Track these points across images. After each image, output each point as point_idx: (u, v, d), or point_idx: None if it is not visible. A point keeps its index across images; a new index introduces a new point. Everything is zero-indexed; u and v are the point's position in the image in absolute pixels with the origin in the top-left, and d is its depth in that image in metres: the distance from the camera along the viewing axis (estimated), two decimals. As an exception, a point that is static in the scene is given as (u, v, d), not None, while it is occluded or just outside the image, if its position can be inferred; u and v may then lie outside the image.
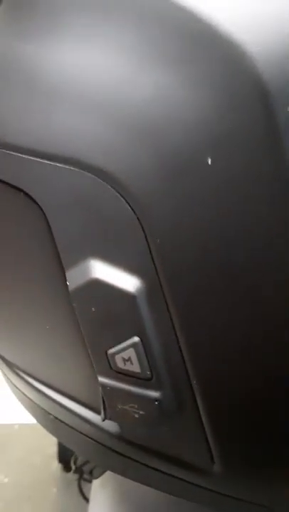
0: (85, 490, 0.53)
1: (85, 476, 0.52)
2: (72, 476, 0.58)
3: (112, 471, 0.23)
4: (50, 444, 0.61)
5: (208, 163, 0.15)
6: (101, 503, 0.36)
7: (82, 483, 0.53)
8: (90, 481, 0.41)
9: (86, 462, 0.46)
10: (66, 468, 0.59)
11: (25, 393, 0.24)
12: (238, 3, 0.15)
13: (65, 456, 0.58)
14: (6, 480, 0.59)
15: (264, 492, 0.21)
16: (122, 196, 0.16)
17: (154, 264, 0.17)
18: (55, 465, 0.60)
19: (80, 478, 0.52)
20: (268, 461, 0.19)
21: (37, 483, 0.60)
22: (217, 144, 0.15)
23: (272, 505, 0.21)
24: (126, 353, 0.18)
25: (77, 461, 0.47)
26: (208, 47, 0.15)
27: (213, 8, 0.15)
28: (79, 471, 0.47)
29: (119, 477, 0.33)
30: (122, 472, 0.22)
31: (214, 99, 0.15)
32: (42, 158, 0.18)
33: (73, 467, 0.48)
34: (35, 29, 0.18)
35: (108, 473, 0.34)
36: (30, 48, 0.18)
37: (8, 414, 0.67)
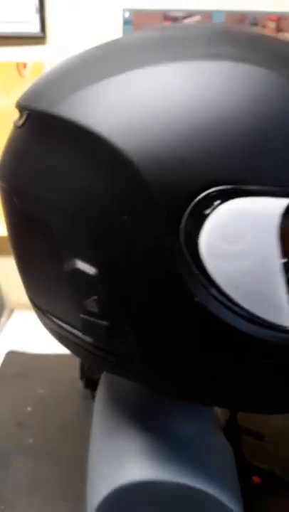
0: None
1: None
2: (90, 392, 0.77)
3: (88, 363, 0.41)
4: (75, 369, 0.81)
5: (124, 218, 0.33)
6: (99, 397, 0.56)
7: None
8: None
9: (89, 369, 0.66)
10: (85, 385, 0.79)
11: (47, 323, 0.43)
12: (133, 132, 0.32)
13: (83, 377, 0.78)
14: (42, 391, 0.79)
15: (176, 377, 0.38)
16: (91, 234, 0.34)
17: (103, 263, 0.34)
18: (79, 383, 0.80)
19: (94, 390, 0.72)
20: (168, 359, 0.37)
21: (66, 396, 0.79)
22: (122, 213, 0.32)
23: (182, 390, 0.39)
24: (91, 303, 0.36)
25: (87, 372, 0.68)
26: (113, 164, 0.32)
27: (117, 136, 0.32)
28: (88, 376, 0.68)
29: (108, 378, 0.52)
30: (94, 363, 0.41)
31: (116, 191, 0.32)
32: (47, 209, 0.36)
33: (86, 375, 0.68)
34: (43, 141, 0.36)
35: (102, 377, 0.53)
36: (41, 150, 0.36)
37: (45, 347, 0.87)
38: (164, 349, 0.36)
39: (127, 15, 0.89)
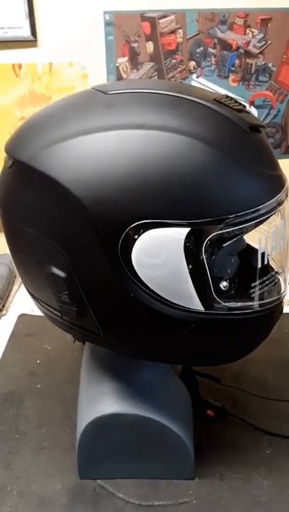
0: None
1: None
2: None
3: (67, 332, 0.58)
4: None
5: (81, 240, 0.48)
6: (85, 354, 0.73)
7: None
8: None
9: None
10: (83, 342, 0.94)
11: (39, 307, 0.59)
12: (83, 182, 0.46)
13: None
14: (49, 347, 0.91)
15: (126, 343, 0.54)
16: (60, 249, 0.49)
17: (70, 269, 0.50)
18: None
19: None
20: (118, 331, 0.53)
21: (67, 351, 0.90)
22: (79, 236, 0.47)
23: (132, 351, 0.55)
24: (64, 296, 0.52)
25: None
26: (70, 203, 0.47)
27: (72, 184, 0.46)
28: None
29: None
30: (70, 333, 0.57)
31: (74, 222, 0.47)
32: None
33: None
34: (24, 182, 0.50)
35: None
36: (23, 189, 0.51)
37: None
38: (115, 325, 0.52)
39: (107, 17, 0.99)
